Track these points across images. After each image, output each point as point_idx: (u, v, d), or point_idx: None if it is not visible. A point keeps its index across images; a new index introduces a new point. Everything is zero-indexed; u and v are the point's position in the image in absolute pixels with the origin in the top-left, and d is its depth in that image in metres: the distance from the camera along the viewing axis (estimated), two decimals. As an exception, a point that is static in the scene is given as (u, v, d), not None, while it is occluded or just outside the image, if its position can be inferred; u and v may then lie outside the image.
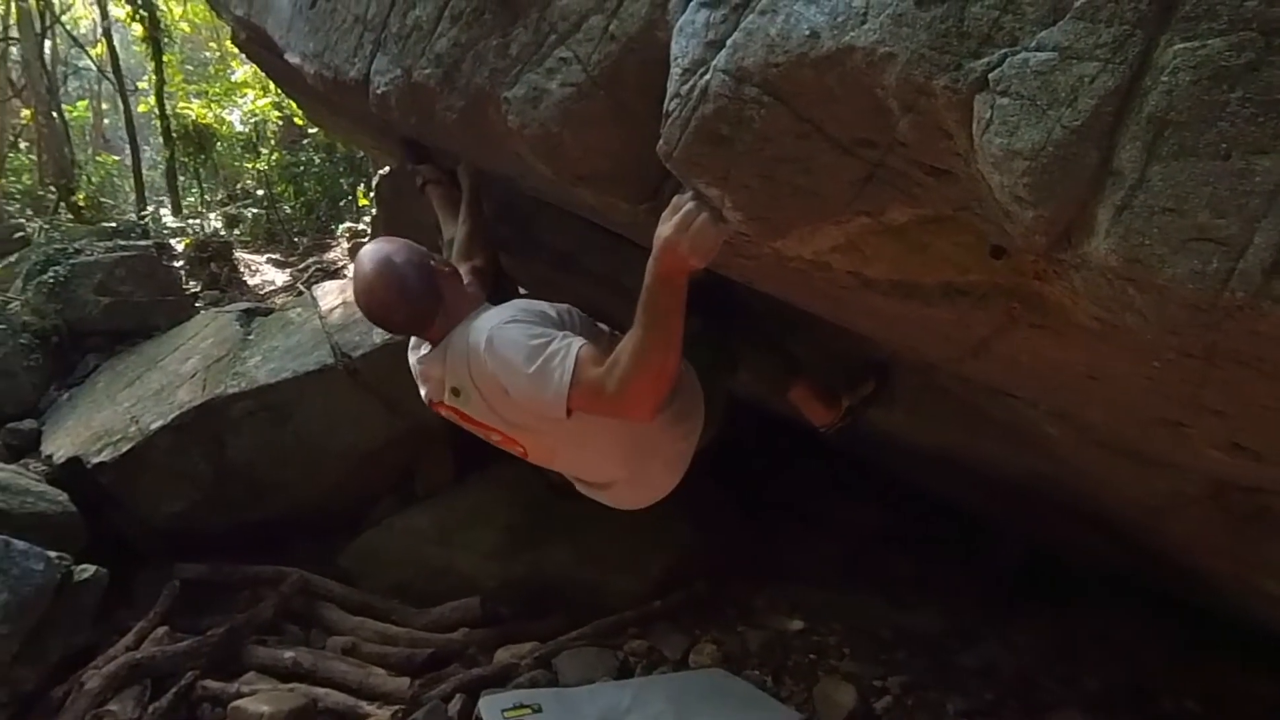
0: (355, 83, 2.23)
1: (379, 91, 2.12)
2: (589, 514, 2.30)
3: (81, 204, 9.94)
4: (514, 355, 1.64)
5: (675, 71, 1.33)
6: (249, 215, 10.11)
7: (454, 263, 2.23)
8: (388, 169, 4.82)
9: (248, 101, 9.80)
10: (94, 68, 12.74)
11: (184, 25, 11.50)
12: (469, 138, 2.05)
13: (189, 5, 10.94)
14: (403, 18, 1.96)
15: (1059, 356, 1.39)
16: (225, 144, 10.61)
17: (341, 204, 10.05)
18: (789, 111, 1.21)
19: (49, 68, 10.95)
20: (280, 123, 10.14)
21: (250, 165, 10.67)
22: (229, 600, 3.89)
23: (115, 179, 12.64)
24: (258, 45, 3.31)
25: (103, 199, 11.20)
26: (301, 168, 9.94)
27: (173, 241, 8.39)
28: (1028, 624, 3.56)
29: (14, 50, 10.95)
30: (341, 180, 10.00)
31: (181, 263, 7.76)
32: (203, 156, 10.33)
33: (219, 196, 11.26)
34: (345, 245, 8.59)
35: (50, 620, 3.26)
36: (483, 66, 1.75)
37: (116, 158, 13.01)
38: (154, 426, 4.08)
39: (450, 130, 2.01)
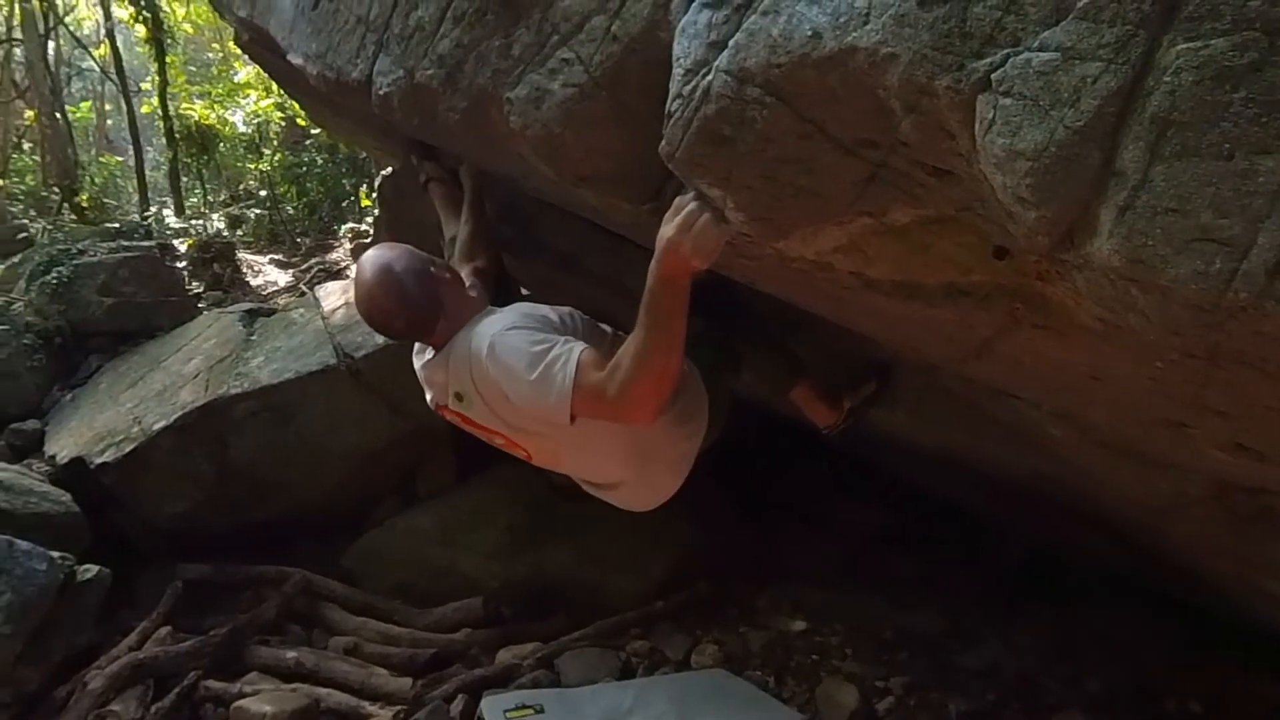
0: (358, 84, 2.23)
1: (381, 92, 2.12)
2: (591, 515, 2.30)
3: (85, 205, 9.96)
4: (516, 362, 1.64)
5: (677, 72, 1.33)
6: (252, 216, 10.13)
7: (457, 263, 2.24)
8: (390, 170, 4.82)
9: (250, 102, 9.81)
10: (97, 69, 12.74)
11: (187, 26, 11.52)
12: (471, 139, 2.05)
13: (192, 6, 10.97)
14: (405, 19, 1.96)
15: (1061, 357, 1.39)
16: (228, 145, 10.62)
17: (344, 205, 10.06)
18: (791, 112, 1.21)
19: (52, 69, 10.97)
20: (283, 124, 10.15)
21: (253, 166, 10.68)
22: (231, 600, 3.89)
23: (118, 180, 12.66)
24: (260, 46, 3.32)
25: (106, 200, 11.22)
26: (304, 168, 9.95)
27: (176, 242, 8.39)
28: (1029, 624, 3.56)
29: (17, 51, 10.98)
30: (344, 181, 10.01)
31: (184, 263, 7.76)
32: (205, 157, 10.35)
33: (222, 197, 11.28)
34: (348, 246, 8.60)
35: (53, 620, 3.26)
36: (485, 67, 1.76)
37: (120, 158, 13.02)
38: (157, 427, 4.08)
39: (452, 131, 2.01)
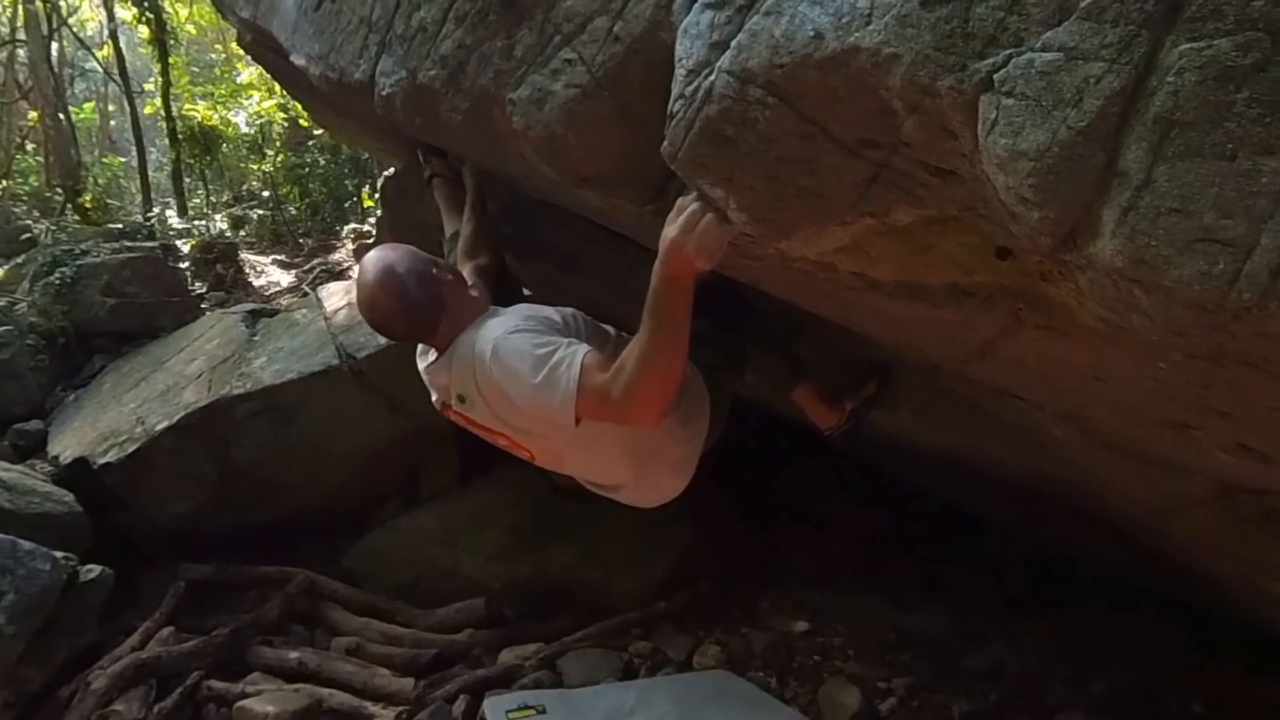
0: (360, 84, 2.23)
1: (384, 93, 2.12)
2: (593, 515, 2.30)
3: (88, 205, 9.97)
4: (520, 365, 1.64)
5: (679, 73, 1.33)
6: (254, 217, 10.13)
7: (459, 260, 2.24)
8: (393, 170, 4.82)
9: (253, 103, 9.82)
10: (100, 70, 12.75)
11: (190, 27, 11.55)
12: (474, 139, 2.05)
13: (195, 7, 10.99)
14: (408, 19, 1.96)
15: (1064, 358, 1.39)
16: (231, 145, 10.63)
17: (346, 205, 10.06)
18: (793, 112, 1.21)
19: (56, 70, 10.98)
20: (285, 124, 10.15)
21: (256, 167, 10.68)
22: (234, 601, 3.90)
23: (121, 180, 12.67)
24: (263, 47, 3.32)
25: (109, 200, 11.22)
26: (307, 169, 9.95)
27: (179, 243, 8.40)
28: (1033, 626, 3.55)
29: (21, 52, 11.00)
30: (346, 182, 10.02)
31: (187, 264, 7.77)
32: (208, 158, 10.36)
33: (224, 198, 11.29)
34: (350, 246, 8.60)
35: (56, 620, 3.27)
36: (487, 68, 1.76)
37: (123, 159, 13.03)
38: (160, 427, 4.09)
39: (455, 131, 2.01)
